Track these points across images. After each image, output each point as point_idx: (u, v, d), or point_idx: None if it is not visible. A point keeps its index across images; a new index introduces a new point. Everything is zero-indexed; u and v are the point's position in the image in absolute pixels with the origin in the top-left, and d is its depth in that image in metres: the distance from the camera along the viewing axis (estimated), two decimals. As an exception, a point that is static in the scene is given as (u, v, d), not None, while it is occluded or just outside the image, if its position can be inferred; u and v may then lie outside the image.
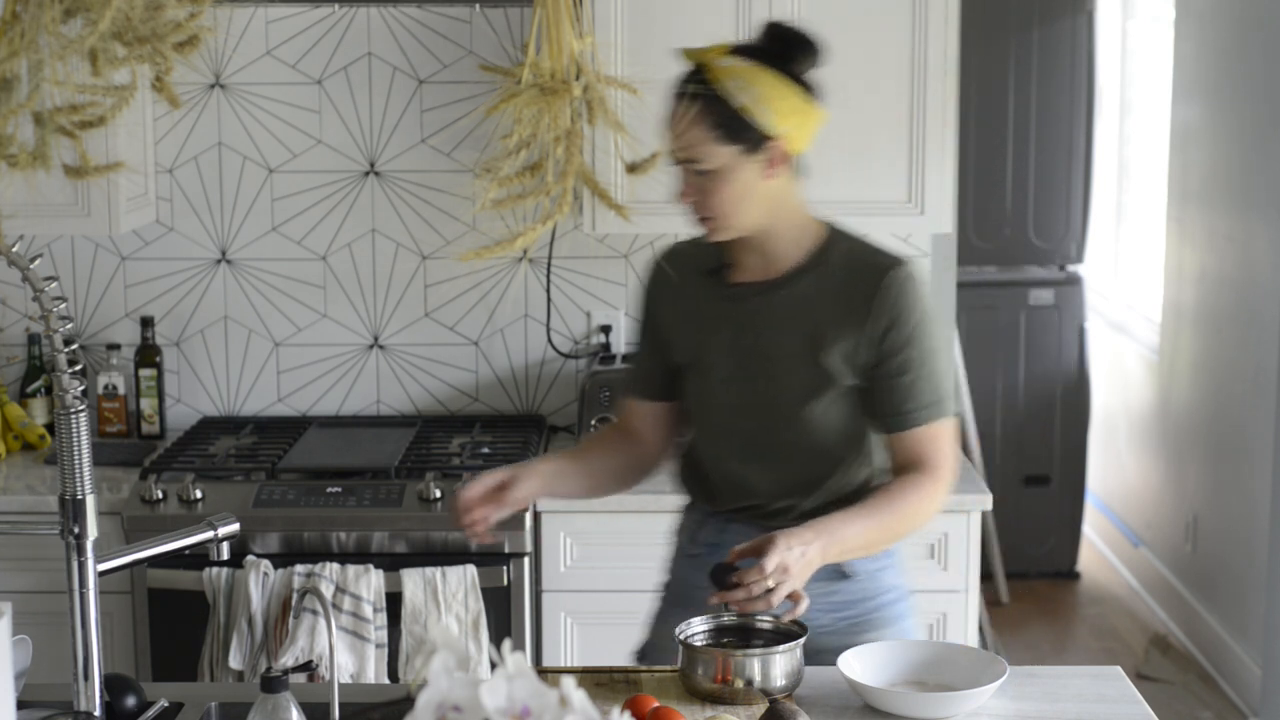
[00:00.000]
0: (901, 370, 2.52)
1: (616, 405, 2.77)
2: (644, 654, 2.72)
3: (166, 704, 2.37)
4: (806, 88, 2.48)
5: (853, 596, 2.60)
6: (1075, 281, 6.08)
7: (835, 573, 2.56)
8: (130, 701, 2.31)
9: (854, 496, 2.57)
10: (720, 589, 2.38)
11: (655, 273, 2.69)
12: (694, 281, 2.62)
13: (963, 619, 3.58)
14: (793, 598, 2.39)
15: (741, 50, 2.48)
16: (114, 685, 2.31)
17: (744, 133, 2.44)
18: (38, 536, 3.50)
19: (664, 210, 3.70)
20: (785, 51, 2.48)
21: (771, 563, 2.34)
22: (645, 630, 2.76)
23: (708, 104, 2.43)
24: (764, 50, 2.48)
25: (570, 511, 3.56)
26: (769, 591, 2.35)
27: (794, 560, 2.36)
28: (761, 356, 2.55)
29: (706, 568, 2.48)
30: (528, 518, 3.51)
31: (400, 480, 3.60)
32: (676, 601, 2.70)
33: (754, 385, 2.56)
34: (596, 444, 2.78)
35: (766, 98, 2.43)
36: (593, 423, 3.81)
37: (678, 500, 3.57)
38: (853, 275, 2.53)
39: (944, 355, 2.58)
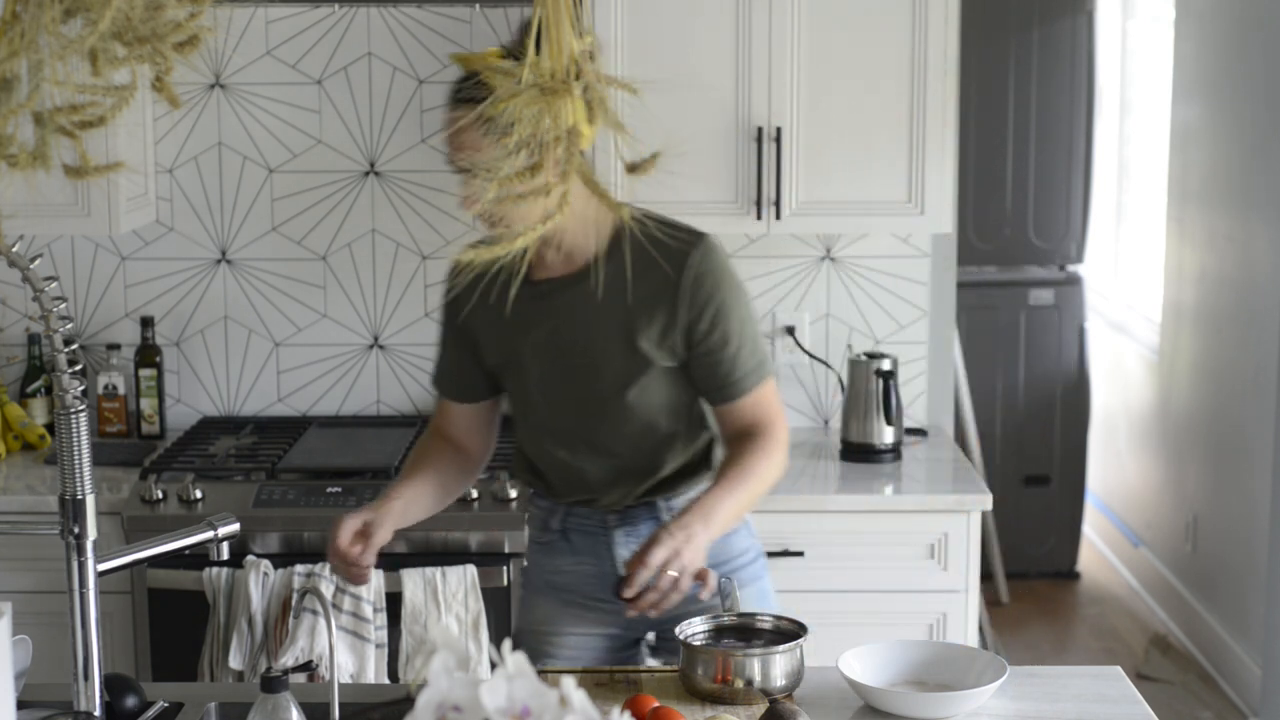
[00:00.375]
0: (723, 343, 2.56)
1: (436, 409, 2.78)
2: (516, 641, 2.77)
3: (166, 704, 2.37)
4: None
5: (710, 563, 2.62)
6: (1075, 281, 6.08)
7: None
8: (130, 701, 2.31)
9: (699, 464, 2.64)
10: (628, 602, 2.39)
11: (454, 279, 2.67)
12: (498, 284, 2.58)
13: (963, 619, 3.58)
14: (700, 578, 2.43)
15: (514, 53, 2.40)
16: (114, 685, 2.31)
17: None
18: (38, 536, 3.50)
19: (664, 210, 3.69)
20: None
21: (658, 556, 2.38)
22: (515, 619, 2.81)
23: (474, 104, 2.34)
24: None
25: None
26: (675, 582, 2.39)
27: (681, 544, 2.41)
28: (576, 349, 2.57)
29: (559, 554, 2.62)
30: (528, 517, 3.51)
31: (400, 480, 3.59)
32: (536, 589, 2.75)
33: (572, 378, 2.58)
34: (428, 459, 2.74)
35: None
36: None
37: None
38: (654, 257, 2.54)
39: (754, 315, 2.62)
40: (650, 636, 2.74)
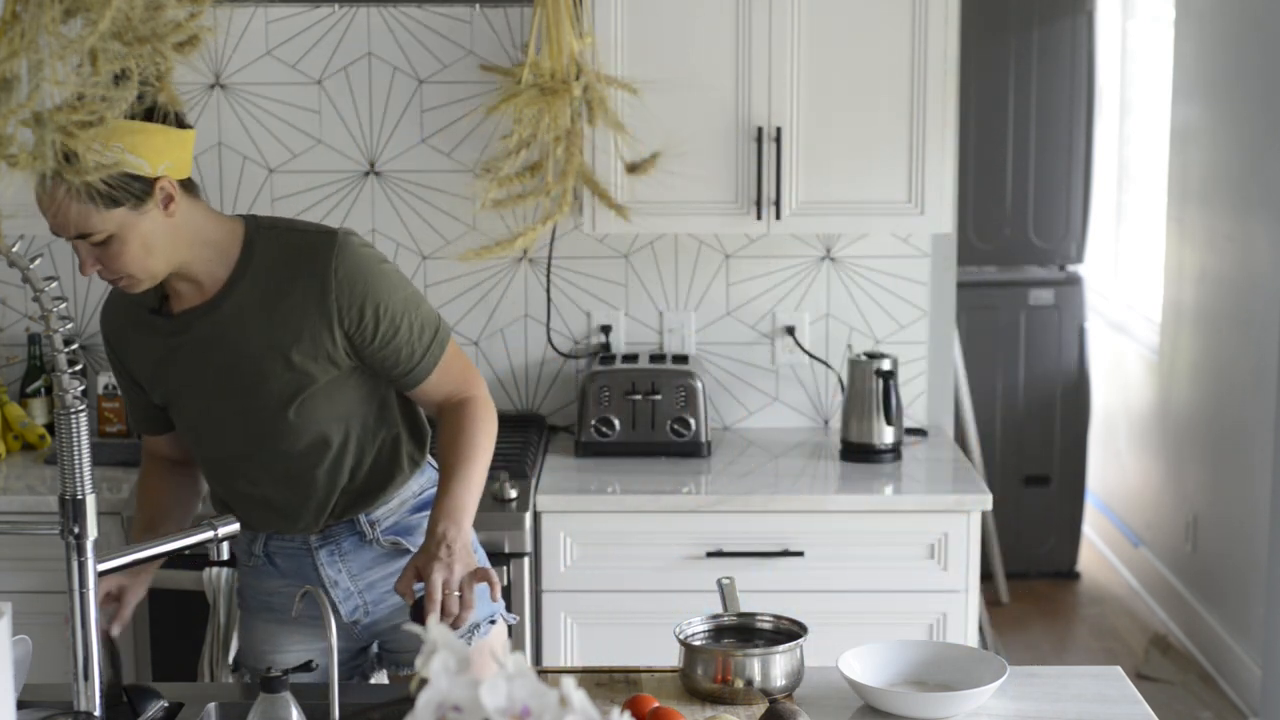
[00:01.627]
0: (393, 333, 2.50)
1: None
2: (236, 664, 2.77)
3: (166, 704, 2.37)
4: (158, 115, 2.34)
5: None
6: (1075, 281, 6.08)
7: (388, 548, 2.61)
8: (154, 709, 2.33)
9: (389, 467, 2.59)
10: (424, 621, 2.35)
11: (105, 324, 2.62)
12: (141, 325, 2.55)
13: (963, 619, 3.58)
14: (480, 578, 2.40)
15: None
16: (135, 695, 2.33)
17: (125, 191, 2.32)
18: (38, 536, 3.49)
19: (664, 210, 3.70)
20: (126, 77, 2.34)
21: (436, 585, 2.35)
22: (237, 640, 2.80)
23: (70, 182, 2.22)
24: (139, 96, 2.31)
25: (570, 512, 3.56)
26: (461, 599, 2.37)
27: (446, 559, 2.39)
28: (226, 377, 2.50)
29: (268, 576, 2.61)
30: (528, 517, 3.51)
31: (400, 480, 3.59)
32: (252, 610, 2.71)
33: (230, 407, 2.51)
34: (156, 495, 2.70)
35: (132, 148, 2.31)
36: (593, 423, 3.81)
37: (677, 500, 3.58)
38: (291, 266, 2.47)
39: (408, 284, 2.56)
40: (374, 646, 2.69)
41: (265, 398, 2.49)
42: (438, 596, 2.35)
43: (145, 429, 2.70)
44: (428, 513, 2.58)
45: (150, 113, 2.32)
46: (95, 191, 2.26)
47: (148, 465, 2.74)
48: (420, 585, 2.39)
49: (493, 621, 2.62)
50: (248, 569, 2.69)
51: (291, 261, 2.47)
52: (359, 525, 2.61)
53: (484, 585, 2.41)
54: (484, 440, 2.55)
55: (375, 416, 2.58)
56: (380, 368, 2.54)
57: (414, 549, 2.59)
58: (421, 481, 2.65)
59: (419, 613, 2.36)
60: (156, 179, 2.34)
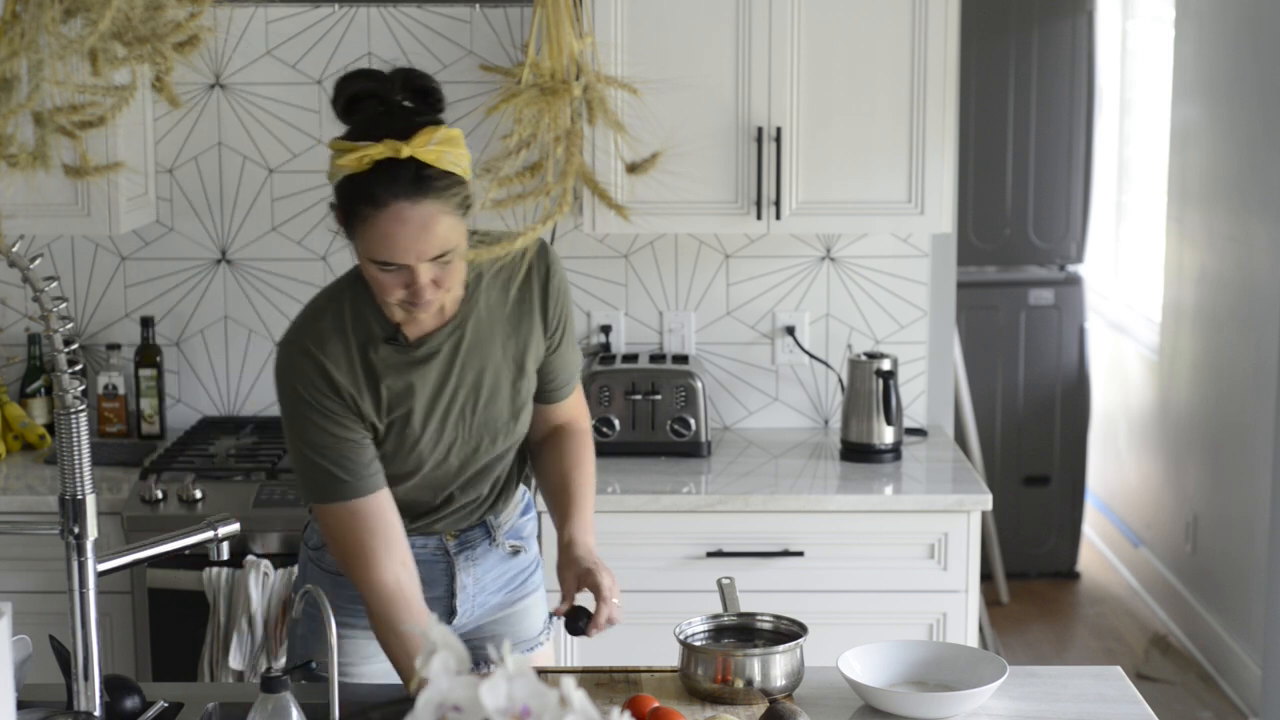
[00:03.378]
0: (565, 343, 2.56)
1: (348, 519, 2.41)
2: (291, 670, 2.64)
3: (166, 704, 2.37)
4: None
5: (522, 566, 2.68)
6: (1075, 281, 6.08)
7: (509, 551, 2.64)
8: (130, 702, 2.31)
9: (521, 460, 2.62)
10: (584, 632, 2.41)
11: (323, 379, 2.37)
12: (383, 357, 2.40)
13: (963, 619, 3.58)
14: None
15: (415, 121, 2.30)
16: (114, 686, 2.31)
17: (467, 199, 2.31)
18: (38, 536, 3.49)
19: (664, 210, 3.70)
20: (435, 100, 2.35)
21: (606, 579, 2.42)
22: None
23: (442, 191, 2.27)
24: (422, 108, 2.33)
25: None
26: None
27: (600, 563, 2.46)
28: (468, 393, 2.47)
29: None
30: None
31: (400, 480, 3.59)
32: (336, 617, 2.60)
33: (465, 421, 2.48)
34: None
35: (461, 153, 2.31)
36: (593, 423, 3.81)
37: (677, 500, 3.58)
38: (504, 279, 2.46)
39: None
40: None
41: (500, 407, 2.50)
42: (615, 600, 2.42)
43: (371, 485, 2.40)
44: (533, 515, 2.69)
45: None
46: (457, 201, 2.27)
47: (394, 528, 2.42)
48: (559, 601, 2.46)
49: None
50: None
51: (511, 272, 2.46)
52: (490, 528, 2.62)
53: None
54: (593, 467, 2.64)
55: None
56: (543, 376, 2.57)
57: (527, 551, 2.67)
58: (524, 486, 2.71)
59: (575, 622, 2.40)
60: (467, 184, 2.32)
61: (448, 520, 2.58)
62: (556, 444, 2.63)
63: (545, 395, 2.59)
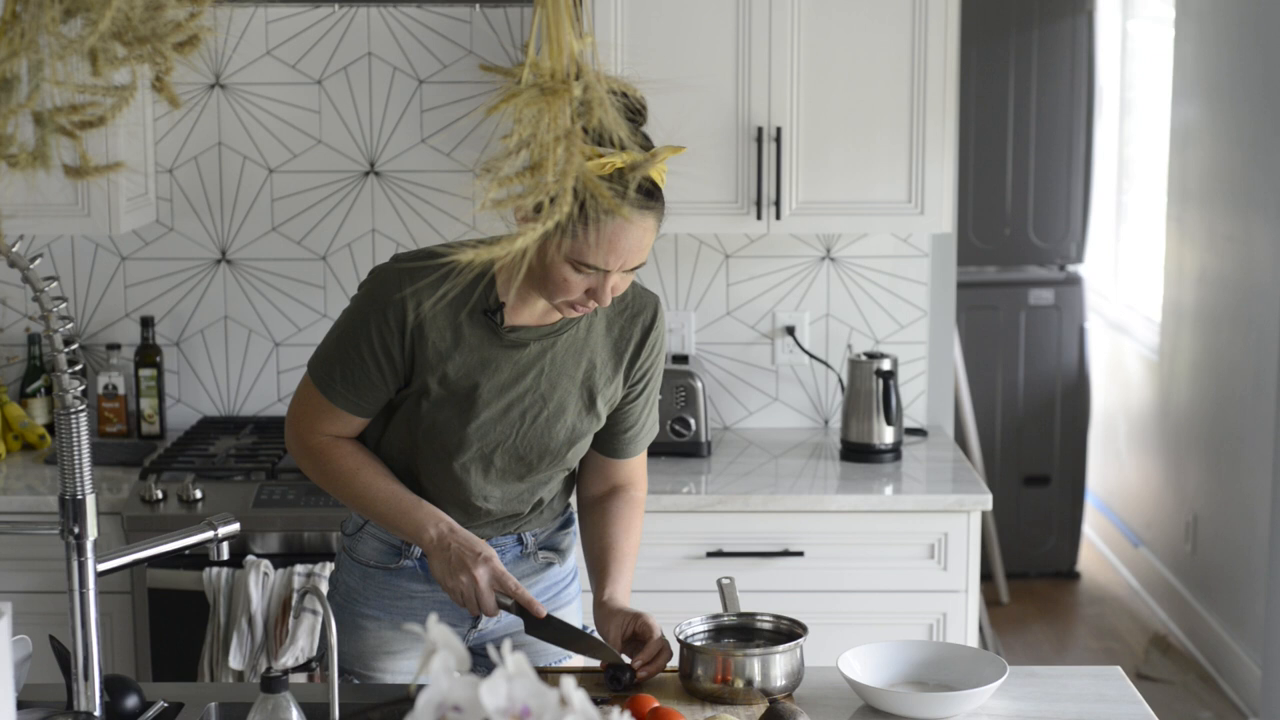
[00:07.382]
0: (647, 401, 2.58)
1: (314, 417, 2.53)
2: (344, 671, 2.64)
3: (166, 704, 2.37)
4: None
5: (557, 578, 2.66)
6: (1075, 281, 6.08)
7: (546, 560, 2.63)
8: (130, 702, 2.31)
9: (567, 487, 2.64)
10: (627, 686, 2.40)
11: (411, 299, 2.42)
12: (476, 320, 2.43)
13: (963, 619, 3.58)
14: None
15: (633, 132, 2.28)
16: (113, 686, 2.31)
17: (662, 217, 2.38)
18: (38, 536, 3.50)
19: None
20: (645, 115, 2.35)
21: (659, 630, 2.43)
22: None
23: (660, 207, 2.35)
24: (639, 121, 2.33)
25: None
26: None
27: (648, 618, 2.45)
28: (539, 400, 2.48)
29: (409, 578, 2.55)
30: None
31: (400, 480, 3.59)
32: (365, 614, 2.60)
33: (524, 426, 2.49)
34: (365, 453, 2.55)
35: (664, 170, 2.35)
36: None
37: (677, 500, 3.58)
38: (624, 315, 2.52)
39: None
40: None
41: (559, 430, 2.50)
42: (671, 650, 2.43)
43: (353, 407, 2.47)
44: (573, 529, 2.68)
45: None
46: (662, 214, 2.33)
47: (344, 450, 2.53)
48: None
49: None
50: (383, 570, 2.59)
51: (625, 311, 2.51)
52: (524, 542, 2.61)
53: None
54: (639, 539, 2.64)
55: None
56: (613, 423, 2.57)
57: (563, 564, 2.66)
58: (567, 500, 2.70)
59: (620, 676, 2.40)
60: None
61: (480, 530, 2.56)
62: (609, 506, 2.62)
63: (610, 445, 2.60)
